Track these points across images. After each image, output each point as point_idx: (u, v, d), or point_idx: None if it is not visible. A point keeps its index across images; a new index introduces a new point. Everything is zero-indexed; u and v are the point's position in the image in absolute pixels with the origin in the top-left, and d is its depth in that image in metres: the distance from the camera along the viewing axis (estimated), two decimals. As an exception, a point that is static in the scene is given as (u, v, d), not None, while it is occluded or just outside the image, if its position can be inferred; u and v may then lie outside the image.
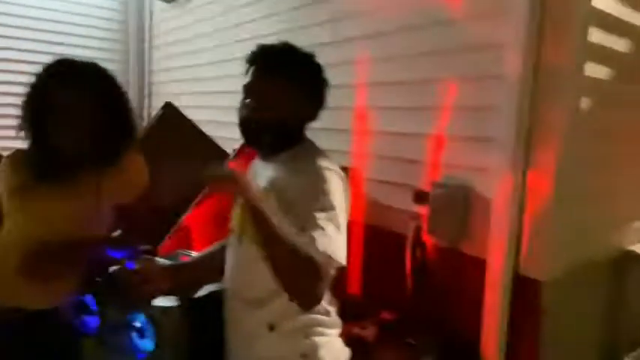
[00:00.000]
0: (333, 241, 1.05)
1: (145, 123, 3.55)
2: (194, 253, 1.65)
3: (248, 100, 1.20)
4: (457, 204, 1.81)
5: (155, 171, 2.53)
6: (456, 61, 1.93)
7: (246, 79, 1.23)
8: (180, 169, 2.45)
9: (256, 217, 1.00)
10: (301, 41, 2.72)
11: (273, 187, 1.16)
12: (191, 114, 2.87)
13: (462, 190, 1.82)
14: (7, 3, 4.05)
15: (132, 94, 4.75)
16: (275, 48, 1.23)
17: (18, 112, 1.31)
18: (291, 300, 1.04)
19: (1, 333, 1.25)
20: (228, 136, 2.33)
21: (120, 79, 4.49)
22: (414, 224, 2.02)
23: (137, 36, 4.73)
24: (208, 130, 2.83)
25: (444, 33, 1.97)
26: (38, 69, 1.31)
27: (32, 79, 1.29)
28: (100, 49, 4.56)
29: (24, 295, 1.26)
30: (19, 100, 1.33)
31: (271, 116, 1.18)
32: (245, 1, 3.30)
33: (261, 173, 1.25)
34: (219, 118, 2.97)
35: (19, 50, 4.09)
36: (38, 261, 1.24)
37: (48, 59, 3.84)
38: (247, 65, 1.23)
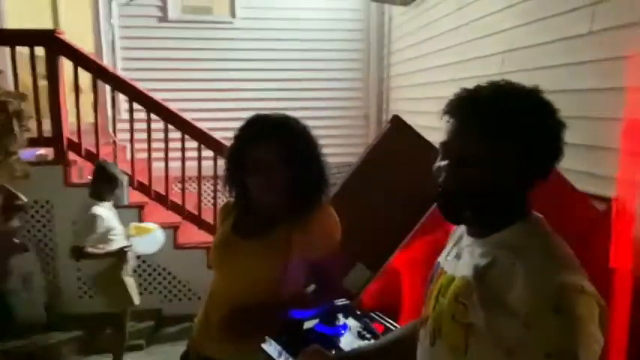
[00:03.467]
0: None
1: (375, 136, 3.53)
2: (389, 323, 1.47)
3: (444, 163, 0.91)
4: None
5: (376, 190, 2.47)
6: None
7: (445, 135, 0.92)
8: (407, 186, 2.31)
9: None
10: (551, 35, 2.31)
11: (481, 278, 0.86)
12: (426, 121, 2.67)
13: None
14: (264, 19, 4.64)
15: (371, 101, 4.89)
16: (482, 91, 0.89)
17: (224, 166, 1.38)
18: None
19: None
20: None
21: (363, 85, 4.70)
22: None
23: (377, 42, 4.79)
24: (439, 137, 2.58)
25: None
26: (238, 126, 1.34)
27: (234, 135, 1.34)
28: (342, 58, 4.82)
29: (221, 347, 1.33)
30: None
31: (475, 188, 0.87)
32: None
33: (467, 248, 0.94)
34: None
35: (270, 60, 4.63)
36: (236, 320, 1.28)
37: (299, 63, 4.16)
38: (445, 115, 0.92)
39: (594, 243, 1.78)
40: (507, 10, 2.62)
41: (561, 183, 1.75)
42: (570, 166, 1.87)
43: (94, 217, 2.65)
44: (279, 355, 1.06)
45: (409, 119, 2.63)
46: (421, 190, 2.20)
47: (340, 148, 4.21)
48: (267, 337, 1.08)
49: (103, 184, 2.75)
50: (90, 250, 2.66)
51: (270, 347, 1.06)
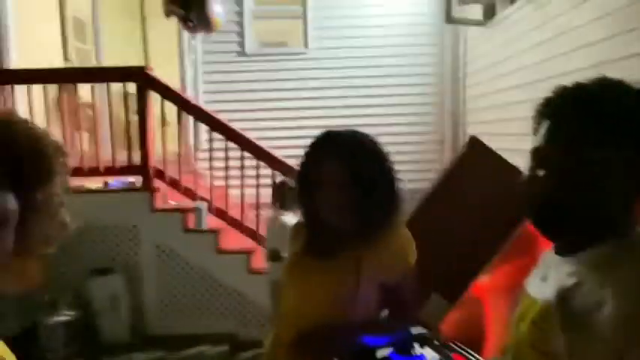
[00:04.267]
0: None
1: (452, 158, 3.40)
2: (470, 354, 1.34)
3: (540, 172, 0.81)
4: None
5: (453, 216, 2.35)
6: None
7: (536, 140, 0.83)
8: (486, 210, 2.17)
9: None
10: None
11: (564, 300, 0.76)
12: (505, 143, 2.53)
13: None
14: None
15: (446, 125, 4.75)
16: (584, 90, 0.79)
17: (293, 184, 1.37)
18: None
19: None
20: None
21: (437, 109, 4.59)
22: None
23: (452, 64, 4.68)
24: (518, 159, 2.43)
25: None
26: (307, 144, 1.33)
27: (304, 152, 1.32)
28: (415, 83, 4.76)
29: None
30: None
31: (575, 198, 0.77)
32: (565, 6, 2.74)
33: (554, 268, 0.84)
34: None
35: (342, 88, 4.67)
36: (305, 343, 1.24)
37: (371, 90, 4.12)
38: (536, 119, 0.83)
39: None
40: (597, 22, 2.44)
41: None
42: None
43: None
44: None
45: (487, 141, 2.50)
46: (501, 214, 2.07)
47: (414, 174, 4.10)
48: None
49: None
50: (284, 255, 2.82)
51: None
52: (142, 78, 3.63)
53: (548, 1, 2.96)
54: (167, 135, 3.82)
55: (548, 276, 0.85)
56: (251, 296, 3.72)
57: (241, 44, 4.81)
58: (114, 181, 3.88)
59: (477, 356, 1.38)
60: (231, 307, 3.79)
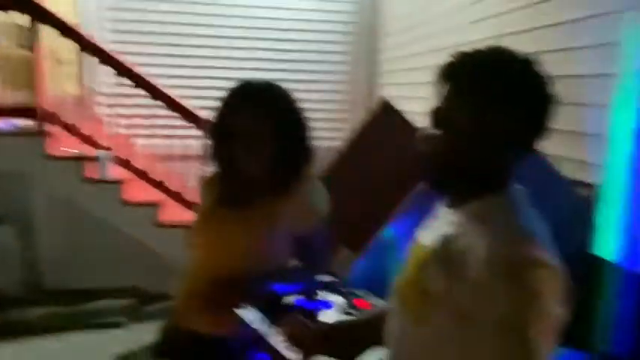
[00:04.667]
0: None
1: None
2: (375, 300, 1.45)
3: (436, 131, 0.87)
4: None
5: (362, 174, 2.44)
6: None
7: (435, 101, 0.89)
8: (394, 170, 2.28)
9: None
10: (547, 19, 2.28)
11: (445, 245, 0.85)
12: (417, 106, 2.64)
13: None
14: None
15: (361, 84, 4.84)
16: (479, 56, 0.86)
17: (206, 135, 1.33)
18: None
19: (182, 354, 1.32)
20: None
21: (352, 68, 4.58)
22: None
23: (369, 23, 4.71)
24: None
25: None
26: (222, 94, 1.29)
27: (218, 103, 1.29)
28: (333, 40, 4.74)
29: (204, 320, 1.29)
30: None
31: (467, 157, 0.85)
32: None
33: (442, 218, 0.93)
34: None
35: (255, 39, 4.55)
36: (218, 292, 1.24)
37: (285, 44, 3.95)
38: (439, 80, 0.88)
39: (578, 229, 1.78)
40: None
41: (546, 166, 1.75)
42: (555, 151, 1.87)
43: None
44: (257, 320, 1.02)
45: (401, 104, 2.60)
46: (406, 174, 2.19)
47: (328, 132, 4.16)
48: (242, 304, 1.04)
49: None
50: None
51: (245, 313, 1.03)
52: (29, 7, 3.22)
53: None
54: (63, 75, 3.48)
55: (436, 225, 0.94)
56: (158, 249, 3.62)
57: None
58: (1, 123, 3.49)
59: (377, 300, 1.48)
60: (136, 260, 3.66)
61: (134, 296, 3.52)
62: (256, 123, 1.24)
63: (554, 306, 0.77)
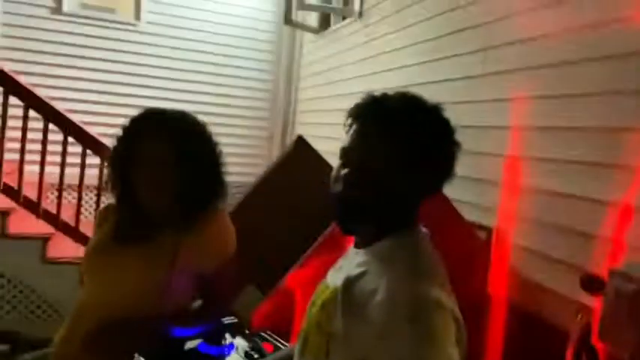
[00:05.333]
0: None
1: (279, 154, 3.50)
2: (279, 342, 1.40)
3: (345, 171, 0.88)
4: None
5: (275, 210, 2.42)
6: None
7: (345, 141, 0.90)
8: (306, 207, 2.27)
9: None
10: (448, 73, 2.47)
11: (348, 286, 0.85)
12: (329, 146, 2.69)
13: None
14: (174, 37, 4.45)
15: (277, 122, 4.88)
16: (388, 100, 0.89)
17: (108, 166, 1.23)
18: None
19: None
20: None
21: (269, 105, 4.59)
22: (580, 320, 1.50)
23: (287, 65, 4.82)
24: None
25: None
26: (126, 120, 1.21)
27: (120, 130, 1.21)
28: (251, 77, 4.77)
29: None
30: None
31: (373, 196, 0.85)
32: (387, 30, 3.05)
33: (349, 259, 0.93)
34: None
35: (175, 70, 4.43)
36: (104, 335, 1.12)
37: (205, 77, 3.88)
38: (349, 121, 0.91)
39: (475, 269, 1.88)
40: (411, 48, 2.77)
41: (449, 210, 1.84)
42: (468, 198, 1.99)
43: None
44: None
45: (313, 143, 2.64)
46: (319, 212, 2.20)
47: (241, 167, 4.10)
48: (136, 355, 0.94)
49: None
50: None
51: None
52: None
53: (373, 22, 3.26)
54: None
55: (343, 266, 0.93)
56: (42, 288, 3.25)
57: (59, 0, 4.18)
58: None
59: (284, 343, 1.43)
60: (15, 301, 3.25)
61: (11, 342, 3.09)
62: (158, 148, 1.17)
63: (451, 348, 0.78)
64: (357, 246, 0.93)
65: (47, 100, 3.23)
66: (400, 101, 0.90)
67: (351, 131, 0.90)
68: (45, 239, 3.24)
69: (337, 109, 3.67)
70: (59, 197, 3.27)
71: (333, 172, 0.91)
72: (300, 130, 4.54)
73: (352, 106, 0.93)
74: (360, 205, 0.87)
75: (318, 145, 2.69)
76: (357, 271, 0.87)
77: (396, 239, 0.88)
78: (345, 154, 0.89)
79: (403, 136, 0.85)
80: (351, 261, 0.91)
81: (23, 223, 3.24)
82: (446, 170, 0.90)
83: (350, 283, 0.85)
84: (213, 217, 1.23)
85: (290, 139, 4.64)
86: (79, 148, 3.23)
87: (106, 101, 4.24)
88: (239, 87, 4.73)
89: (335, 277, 0.92)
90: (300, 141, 2.69)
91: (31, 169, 3.22)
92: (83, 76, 4.21)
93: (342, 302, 0.84)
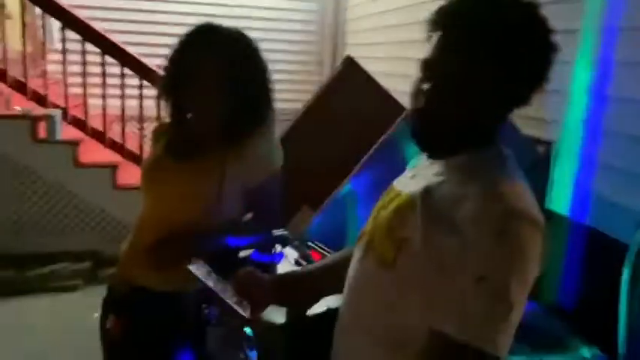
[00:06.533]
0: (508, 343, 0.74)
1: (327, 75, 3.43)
2: (328, 252, 1.44)
3: (427, 84, 0.81)
4: None
5: (325, 130, 2.40)
6: None
7: (426, 52, 0.82)
8: (357, 128, 2.26)
9: None
10: None
11: (428, 194, 0.81)
12: (381, 67, 2.60)
13: None
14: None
15: (326, 46, 4.74)
16: (477, 2, 0.79)
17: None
18: None
19: (130, 310, 1.28)
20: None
21: (318, 28, 4.42)
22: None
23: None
24: (396, 83, 2.51)
25: None
26: (181, 33, 1.20)
27: (178, 41, 1.20)
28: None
29: (149, 275, 1.25)
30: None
31: (460, 110, 0.79)
32: None
33: (423, 169, 0.88)
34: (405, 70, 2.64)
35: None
36: (165, 247, 1.20)
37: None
38: (428, 30, 0.82)
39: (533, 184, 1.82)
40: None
41: (507, 124, 1.75)
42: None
43: None
44: (208, 275, 0.99)
45: (364, 64, 2.55)
46: (369, 132, 2.17)
47: (292, 94, 4.08)
48: (194, 259, 1.00)
49: None
50: None
51: (198, 268, 0.99)
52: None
53: None
54: (10, 29, 3.25)
55: (417, 175, 0.89)
56: (115, 212, 3.52)
57: None
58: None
59: (331, 251, 1.47)
60: (93, 223, 3.56)
61: (92, 259, 3.43)
62: (210, 61, 1.16)
63: (534, 266, 0.75)
64: (431, 157, 0.88)
65: (103, 33, 3.32)
66: (491, 3, 0.79)
67: (434, 41, 0.81)
68: (113, 167, 3.46)
69: (387, 25, 3.51)
70: (122, 128, 3.44)
71: (413, 87, 0.84)
72: (350, 52, 4.41)
73: (435, 10, 0.82)
74: (444, 121, 0.81)
75: (369, 66, 2.60)
76: (435, 179, 0.83)
77: (484, 153, 0.83)
78: (428, 66, 0.82)
79: (493, 44, 0.76)
80: (426, 171, 0.87)
81: (92, 153, 3.46)
82: (539, 79, 0.81)
83: (430, 190, 0.82)
84: (258, 135, 1.24)
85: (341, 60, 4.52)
86: (136, 80, 3.33)
87: (161, 32, 4.28)
88: (287, 9, 4.60)
89: (407, 184, 0.89)
90: (349, 61, 2.61)
91: (94, 103, 3.38)
92: (140, 7, 4.25)
93: (422, 209, 0.80)
